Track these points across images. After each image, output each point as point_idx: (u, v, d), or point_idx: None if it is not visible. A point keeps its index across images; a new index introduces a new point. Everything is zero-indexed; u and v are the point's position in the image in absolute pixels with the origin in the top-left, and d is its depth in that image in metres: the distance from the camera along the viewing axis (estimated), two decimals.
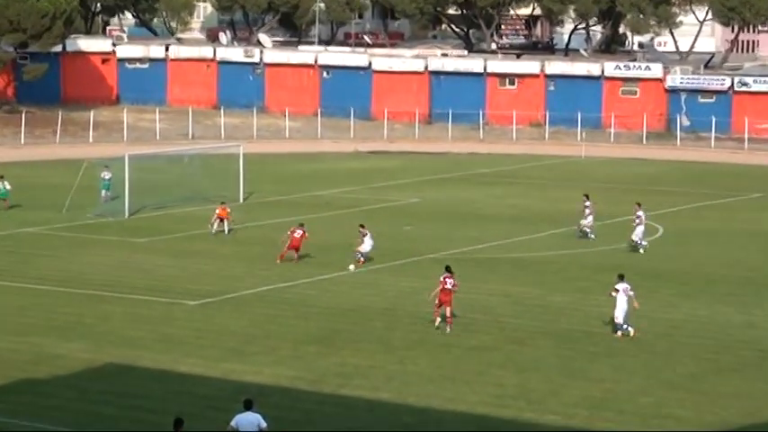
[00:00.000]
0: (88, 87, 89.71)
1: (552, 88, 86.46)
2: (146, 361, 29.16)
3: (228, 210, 46.47)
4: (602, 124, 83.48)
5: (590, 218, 45.52)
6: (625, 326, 31.48)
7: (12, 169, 58.42)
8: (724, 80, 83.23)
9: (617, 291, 31.64)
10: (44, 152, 72.70)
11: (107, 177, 53.77)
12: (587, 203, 45.27)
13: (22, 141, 76.93)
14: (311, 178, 64.08)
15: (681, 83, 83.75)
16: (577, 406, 26.13)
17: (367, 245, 40.30)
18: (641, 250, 43.16)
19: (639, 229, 43.42)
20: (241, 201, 54.10)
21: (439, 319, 32.09)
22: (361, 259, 40.18)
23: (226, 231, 46.02)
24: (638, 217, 43.57)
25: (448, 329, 31.84)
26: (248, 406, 21.50)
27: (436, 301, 32.05)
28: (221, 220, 46.33)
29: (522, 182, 63.79)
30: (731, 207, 55.66)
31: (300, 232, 41.22)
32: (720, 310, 34.75)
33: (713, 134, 79.21)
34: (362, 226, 40.97)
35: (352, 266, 39.53)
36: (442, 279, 32.17)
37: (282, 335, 31.63)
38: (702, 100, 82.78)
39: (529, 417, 25.52)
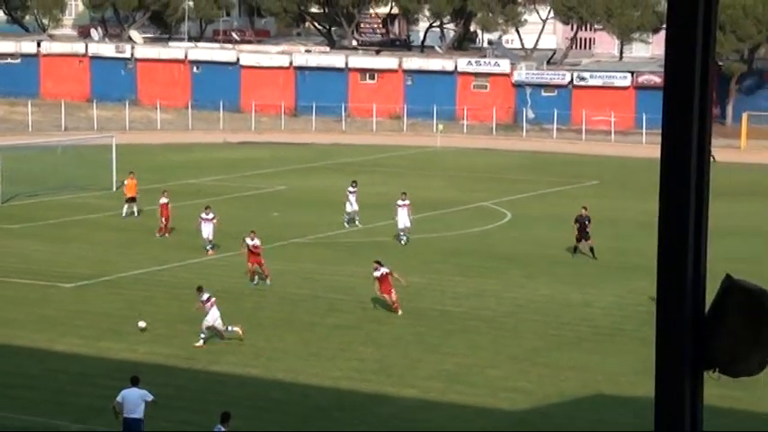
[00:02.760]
0: None
1: (410, 83, 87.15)
2: (22, 340, 28.68)
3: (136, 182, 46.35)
4: (456, 116, 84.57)
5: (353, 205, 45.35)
6: (228, 327, 29.30)
7: None
8: (564, 75, 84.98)
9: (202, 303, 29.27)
10: None
11: None
12: (352, 190, 44.37)
13: None
14: (183, 167, 63.44)
15: (526, 78, 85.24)
16: (433, 379, 26.63)
17: None
18: (402, 241, 42.25)
19: (403, 216, 42.24)
20: (114, 189, 53.33)
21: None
22: None
23: (135, 213, 45.87)
24: (400, 206, 42.45)
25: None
26: (134, 382, 22.46)
27: None
28: (132, 200, 46.05)
29: (382, 170, 64.25)
30: (572, 194, 57.00)
31: (163, 201, 41.83)
32: (561, 290, 35.69)
33: (555, 125, 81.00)
34: None
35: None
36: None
37: (157, 315, 31.43)
38: (545, 94, 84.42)
39: (388, 390, 25.92)
